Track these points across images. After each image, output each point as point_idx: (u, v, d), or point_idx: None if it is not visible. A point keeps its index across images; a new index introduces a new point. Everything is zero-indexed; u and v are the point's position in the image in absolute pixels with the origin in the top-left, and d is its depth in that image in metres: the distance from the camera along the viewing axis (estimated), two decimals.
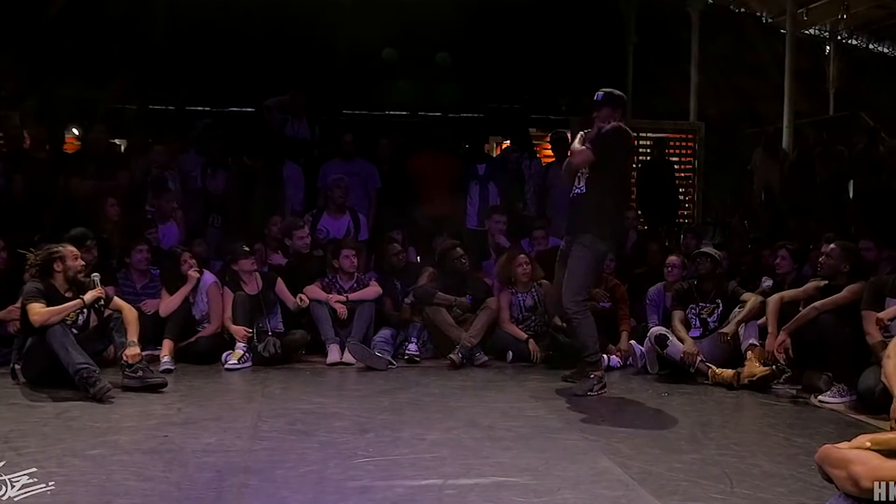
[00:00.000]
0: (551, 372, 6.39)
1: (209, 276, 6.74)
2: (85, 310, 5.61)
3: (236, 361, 6.26)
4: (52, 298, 5.40)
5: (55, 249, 5.55)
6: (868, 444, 2.81)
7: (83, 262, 5.65)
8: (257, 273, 6.80)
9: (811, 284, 6.06)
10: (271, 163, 8.43)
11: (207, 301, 6.63)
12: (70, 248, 5.61)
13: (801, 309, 5.83)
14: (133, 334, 5.47)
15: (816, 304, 5.71)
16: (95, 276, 5.62)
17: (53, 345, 5.18)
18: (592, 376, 5.57)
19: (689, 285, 6.56)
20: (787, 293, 6.14)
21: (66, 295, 5.49)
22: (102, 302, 5.55)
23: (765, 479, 3.74)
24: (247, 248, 6.81)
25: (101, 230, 7.15)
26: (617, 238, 6.73)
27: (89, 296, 5.47)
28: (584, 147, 5.55)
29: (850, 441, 2.89)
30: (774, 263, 6.98)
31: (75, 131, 10.14)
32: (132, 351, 5.39)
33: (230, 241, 7.24)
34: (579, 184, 5.65)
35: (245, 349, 6.35)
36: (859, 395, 5.10)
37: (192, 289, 6.60)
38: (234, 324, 6.47)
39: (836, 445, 2.91)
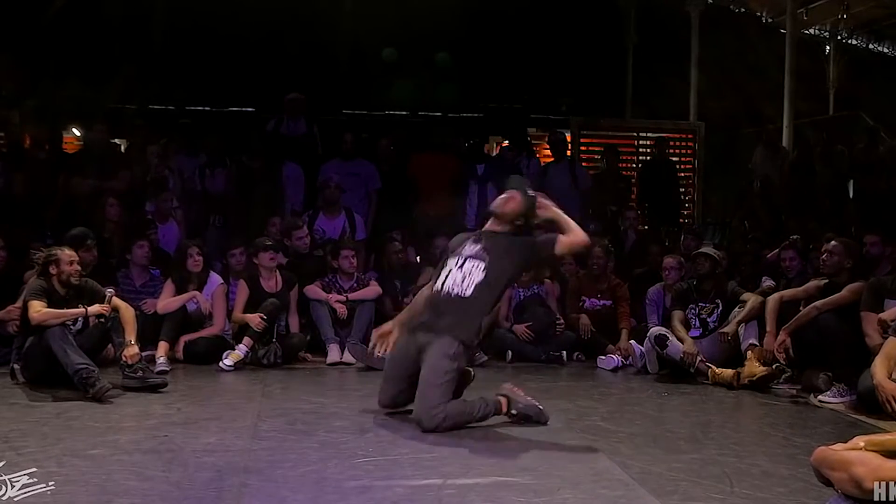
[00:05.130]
0: (552, 372, 6.41)
1: (216, 278, 6.70)
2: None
3: (232, 364, 6.19)
4: (51, 298, 5.40)
5: (52, 252, 5.52)
6: (863, 444, 2.80)
7: (78, 269, 5.59)
8: (278, 271, 6.77)
9: (812, 283, 6.06)
10: (271, 162, 8.43)
11: (212, 302, 6.59)
12: (68, 253, 5.55)
13: (801, 308, 5.83)
14: (130, 334, 5.44)
15: (817, 303, 5.70)
16: (110, 291, 5.57)
17: (53, 346, 5.16)
18: None
19: (688, 285, 6.55)
20: (787, 292, 6.13)
21: (65, 297, 5.48)
22: (104, 319, 5.51)
23: (765, 479, 3.73)
24: (269, 243, 6.78)
25: (101, 230, 7.14)
26: None
27: (94, 309, 5.43)
28: None
29: (845, 443, 2.89)
30: (784, 267, 6.96)
31: (75, 131, 10.15)
32: (131, 351, 5.36)
33: (231, 241, 7.22)
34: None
35: (245, 353, 6.28)
36: (859, 395, 5.09)
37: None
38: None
39: (831, 447, 2.90)
